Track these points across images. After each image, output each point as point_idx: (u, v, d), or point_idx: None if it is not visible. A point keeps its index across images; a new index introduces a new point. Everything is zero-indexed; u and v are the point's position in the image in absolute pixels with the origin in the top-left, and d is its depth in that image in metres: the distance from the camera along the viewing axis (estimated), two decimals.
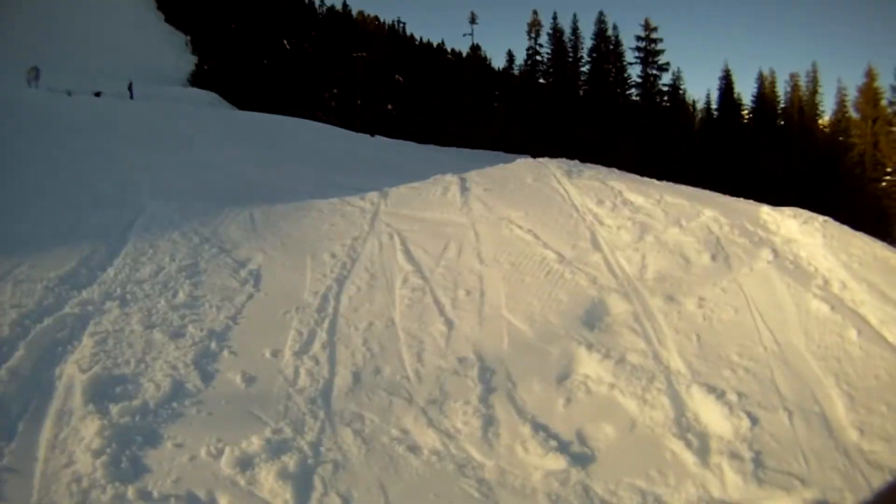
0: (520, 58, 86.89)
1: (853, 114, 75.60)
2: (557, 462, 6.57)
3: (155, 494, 6.11)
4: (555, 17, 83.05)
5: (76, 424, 7.17)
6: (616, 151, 55.82)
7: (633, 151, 59.72)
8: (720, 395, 7.28)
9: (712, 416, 7.02)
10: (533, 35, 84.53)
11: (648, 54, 79.40)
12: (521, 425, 7.15)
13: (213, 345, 9.21)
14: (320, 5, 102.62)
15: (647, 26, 79.18)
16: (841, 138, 73.49)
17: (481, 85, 77.80)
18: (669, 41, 79.54)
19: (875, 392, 7.42)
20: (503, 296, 10.22)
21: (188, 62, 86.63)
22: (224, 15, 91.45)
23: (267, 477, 6.31)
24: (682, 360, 8.02)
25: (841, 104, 78.66)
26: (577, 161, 18.57)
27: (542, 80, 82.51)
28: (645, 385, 7.58)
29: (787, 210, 12.02)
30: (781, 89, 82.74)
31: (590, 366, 8.11)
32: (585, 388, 7.75)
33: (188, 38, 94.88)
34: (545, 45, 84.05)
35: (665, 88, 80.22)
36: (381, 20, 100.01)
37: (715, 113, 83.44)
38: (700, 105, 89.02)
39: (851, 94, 76.00)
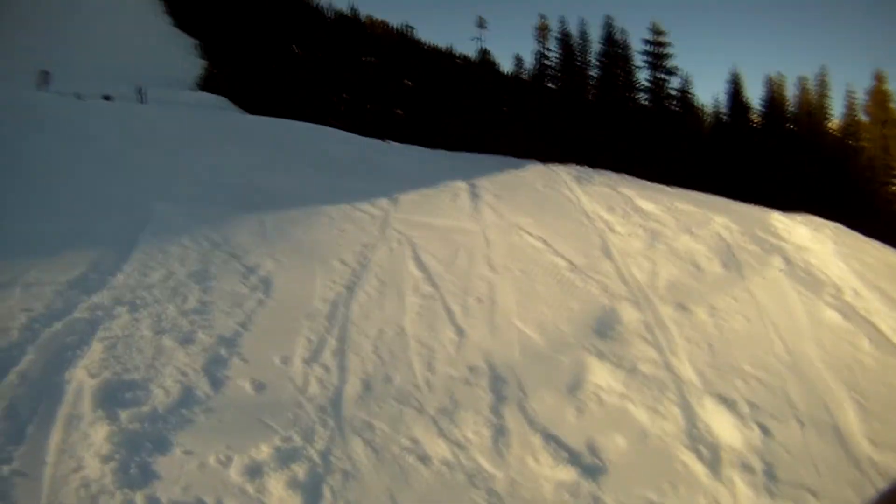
0: (528, 62, 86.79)
1: (862, 117, 75.31)
2: (568, 473, 6.53)
3: (164, 501, 6.10)
4: (562, 22, 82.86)
5: (85, 429, 7.16)
6: (625, 156, 55.69)
7: (642, 156, 59.57)
8: (732, 405, 7.24)
9: (724, 427, 6.98)
10: (541, 39, 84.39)
11: (657, 58, 79.07)
12: (532, 436, 7.12)
13: (223, 351, 9.19)
14: (329, 9, 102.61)
15: (655, 30, 78.87)
16: (850, 142, 73.08)
17: (490, 89, 77.58)
18: (677, 45, 79.09)
19: (887, 402, 7.40)
20: (514, 304, 10.17)
21: (197, 66, 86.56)
22: (232, 19, 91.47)
23: (276, 485, 6.29)
24: (694, 369, 7.97)
25: (850, 107, 78.33)
26: (587, 167, 18.54)
27: (550, 85, 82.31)
28: (656, 395, 7.54)
29: (798, 216, 12.00)
30: (790, 93, 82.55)
31: (601, 375, 8.07)
32: (597, 399, 7.70)
33: (197, 42, 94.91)
34: (553, 49, 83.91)
35: (674, 92, 79.98)
36: (390, 25, 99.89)
37: (724, 117, 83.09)
38: (709, 109, 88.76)
39: (860, 98, 75.75)
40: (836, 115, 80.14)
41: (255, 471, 6.51)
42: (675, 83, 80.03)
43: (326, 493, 6.27)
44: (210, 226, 14.80)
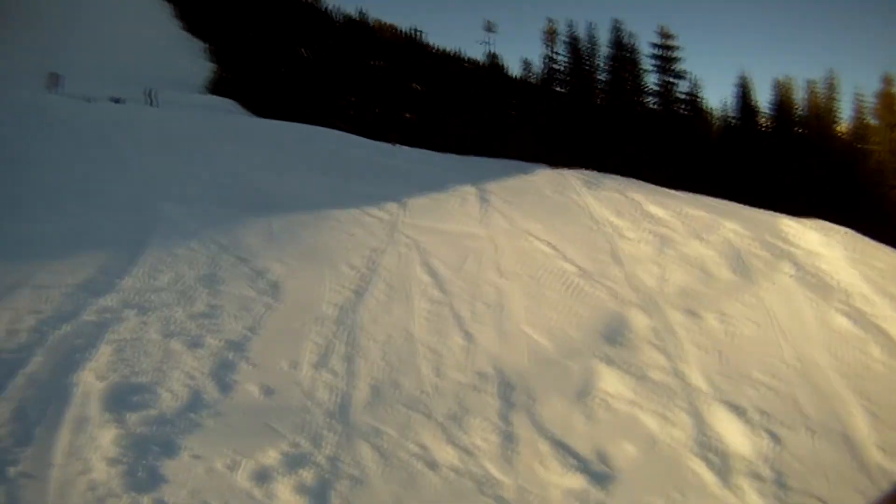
0: (537, 66, 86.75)
1: (872, 121, 74.98)
2: (577, 481, 6.50)
3: None
4: (570, 26, 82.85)
5: (93, 432, 7.17)
6: (634, 160, 55.63)
7: (651, 160, 59.47)
8: (742, 412, 7.20)
9: (734, 435, 6.93)
10: (549, 43, 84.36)
11: (665, 62, 78.89)
12: (541, 442, 7.08)
13: (231, 355, 9.19)
14: (337, 13, 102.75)
15: (664, 33, 78.75)
16: (859, 145, 72.77)
17: (498, 93, 77.56)
18: (685, 48, 78.92)
19: None
20: (523, 309, 10.14)
21: (206, 70, 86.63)
22: (242, 23, 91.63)
23: (284, 490, 6.27)
24: (704, 376, 7.93)
25: (859, 111, 77.95)
26: (596, 171, 18.49)
27: (559, 89, 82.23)
28: (666, 402, 7.50)
29: (808, 221, 11.96)
30: (799, 96, 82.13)
31: (610, 382, 8.03)
32: (606, 405, 7.66)
33: (206, 45, 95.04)
34: (562, 53, 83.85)
35: (683, 96, 79.80)
36: (398, 28, 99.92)
37: (733, 121, 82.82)
38: (718, 113, 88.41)
39: (869, 101, 75.44)
40: (845, 119, 79.82)
41: (262, 476, 6.50)
42: (683, 87, 79.96)
43: (334, 498, 6.25)
44: (218, 228, 14.82)
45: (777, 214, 12.90)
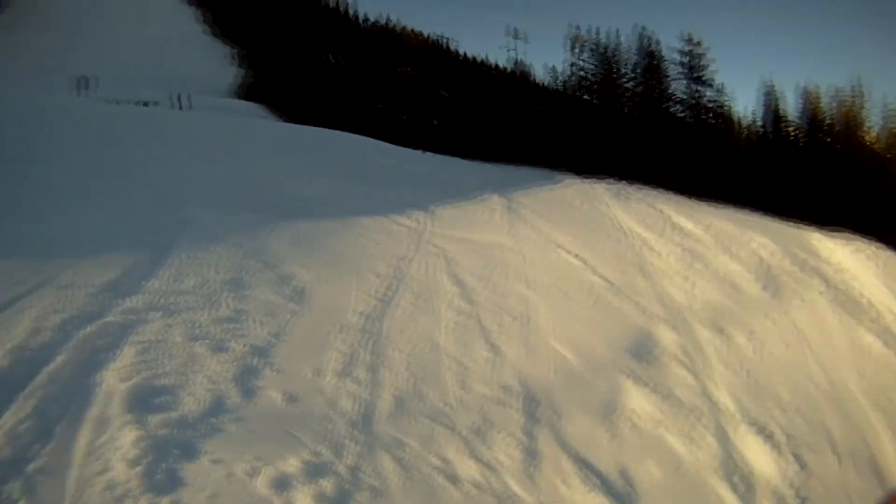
0: (563, 73, 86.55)
1: None
2: (599, 500, 6.44)
3: None
4: (597, 33, 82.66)
5: (114, 433, 7.17)
6: (662, 170, 55.42)
7: (679, 170, 59.19)
8: (769, 435, 7.10)
9: (760, 458, 6.84)
10: (575, 50, 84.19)
11: (691, 69, 78.57)
12: (565, 460, 7.01)
13: (256, 361, 9.17)
14: (364, 20, 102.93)
15: (690, 40, 78.41)
16: (889, 154, 72.00)
17: (525, 101, 77.39)
18: (711, 55, 78.10)
19: None
20: (550, 323, 10.06)
21: (234, 74, 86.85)
22: (270, 28, 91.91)
23: (303, 499, 6.24)
24: (732, 397, 7.84)
25: (888, 119, 77.15)
26: (624, 182, 18.38)
27: (585, 97, 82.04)
28: (692, 423, 7.41)
29: (838, 236, 11.84)
30: (826, 104, 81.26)
31: (637, 400, 7.94)
32: (631, 424, 7.58)
33: (235, 50, 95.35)
34: (588, 60, 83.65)
35: (710, 104, 79.37)
36: (426, 35, 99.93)
37: (760, 130, 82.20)
38: (745, 121, 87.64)
39: None
40: (873, 128, 79.01)
41: (282, 483, 6.48)
42: (710, 95, 79.63)
43: None
44: (245, 233, 14.81)
45: (806, 228, 12.78)
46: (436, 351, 9.53)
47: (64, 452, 6.82)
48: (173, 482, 6.46)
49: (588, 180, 20.05)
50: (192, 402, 7.93)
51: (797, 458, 6.79)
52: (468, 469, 6.92)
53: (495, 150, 59.73)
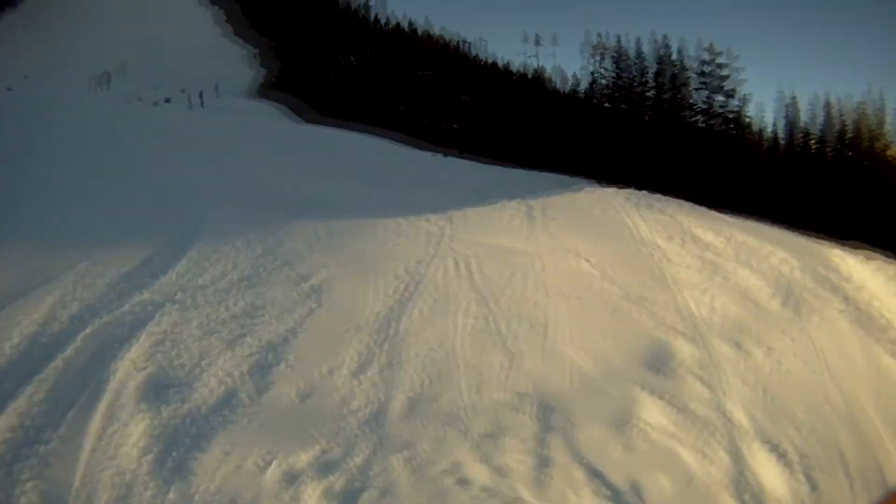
0: (583, 81, 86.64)
1: None
2: None
3: (196, 498, 6.17)
4: (618, 41, 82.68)
5: (126, 420, 7.29)
6: (681, 179, 55.33)
7: (698, 179, 59.09)
8: (782, 454, 7.03)
9: (771, 477, 6.77)
10: (596, 58, 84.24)
11: (713, 79, 78.43)
12: (576, 469, 6.96)
13: (270, 357, 9.24)
14: (386, 23, 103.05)
15: (712, 51, 78.26)
16: None
17: (544, 107, 77.43)
18: (732, 65, 78.00)
19: None
20: (567, 331, 10.02)
21: (257, 74, 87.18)
22: (292, 29, 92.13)
23: (312, 495, 6.29)
24: (747, 413, 7.77)
25: None
26: (645, 192, 18.30)
27: (606, 105, 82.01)
28: (706, 438, 7.35)
29: (859, 253, 11.72)
30: (847, 116, 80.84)
31: (651, 412, 7.88)
32: (644, 436, 7.52)
33: (257, 50, 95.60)
34: (609, 68, 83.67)
35: (730, 115, 79.18)
36: (447, 40, 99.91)
37: (780, 141, 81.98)
38: (765, 132, 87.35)
39: None
40: (895, 141, 78.63)
41: (292, 478, 6.53)
42: (731, 105, 79.40)
43: None
44: (264, 231, 14.86)
45: (827, 243, 12.67)
46: (451, 354, 9.52)
47: (76, 437, 6.95)
48: (182, 471, 6.55)
49: (608, 188, 19.94)
50: (204, 395, 8.04)
51: (809, 478, 6.71)
52: (478, 473, 6.92)
53: (514, 155, 59.73)
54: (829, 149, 76.61)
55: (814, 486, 6.65)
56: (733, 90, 78.14)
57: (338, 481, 6.50)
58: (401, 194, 22.40)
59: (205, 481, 6.38)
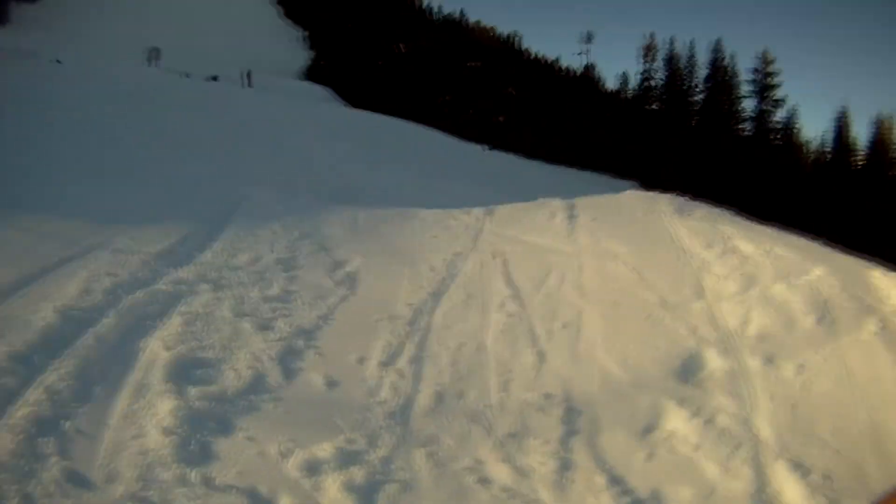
0: (633, 81, 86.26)
1: None
2: None
3: (217, 482, 6.17)
4: (671, 42, 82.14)
5: (152, 399, 7.36)
6: (725, 187, 55.04)
7: (742, 188, 58.74)
8: (805, 473, 6.95)
9: (793, 496, 6.69)
10: (648, 59, 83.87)
11: (764, 88, 77.87)
12: (598, 474, 6.94)
13: (300, 343, 9.31)
14: (437, 12, 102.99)
15: (765, 59, 77.66)
16: None
17: (592, 105, 77.22)
18: (784, 74, 77.39)
19: None
20: (600, 335, 9.98)
21: (303, 56, 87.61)
22: (341, 13, 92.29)
23: (332, 485, 6.29)
24: (773, 430, 7.70)
25: None
26: (687, 197, 18.18)
27: (654, 107, 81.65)
28: (730, 452, 7.29)
29: None
30: None
31: (677, 422, 7.84)
32: (669, 446, 7.48)
33: (305, 32, 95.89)
34: (660, 70, 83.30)
35: (778, 125, 78.57)
36: (497, 32, 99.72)
37: (828, 155, 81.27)
38: (813, 145, 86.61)
39: None
40: None
41: (313, 467, 6.54)
42: (780, 115, 78.82)
43: (381, 501, 6.25)
44: (302, 215, 14.98)
45: (867, 263, 12.50)
46: (482, 351, 9.54)
47: (101, 414, 7.00)
48: (205, 455, 6.59)
49: (651, 192, 19.83)
50: (232, 378, 8.09)
51: (830, 500, 6.63)
52: (500, 472, 6.92)
53: (559, 152, 59.64)
54: (873, 165, 75.89)
55: None
56: (782, 100, 77.66)
57: (359, 473, 6.51)
58: (443, 185, 22.47)
59: (226, 466, 6.41)
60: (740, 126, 78.86)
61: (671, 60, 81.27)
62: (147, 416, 7.05)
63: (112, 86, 29.58)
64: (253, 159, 20.67)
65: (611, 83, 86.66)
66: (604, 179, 42.26)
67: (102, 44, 66.80)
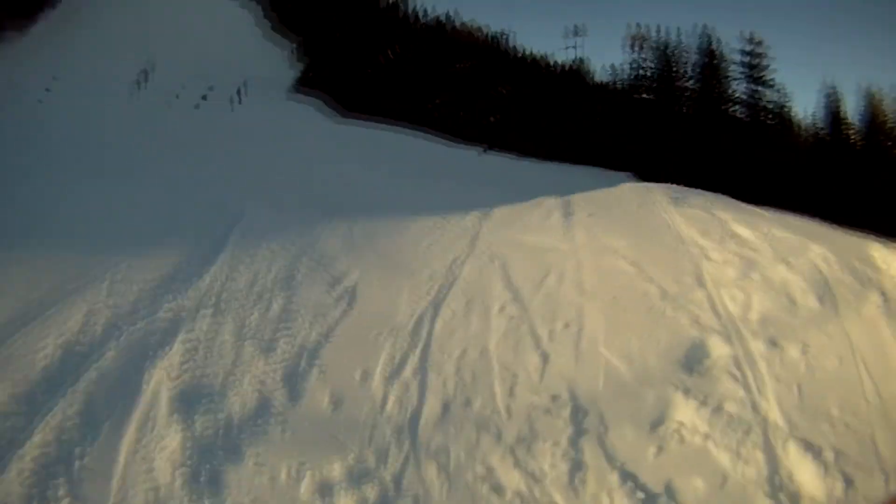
0: (623, 72, 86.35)
1: None
2: None
3: None
4: (658, 31, 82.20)
5: (160, 432, 7.37)
6: (720, 170, 55.03)
7: (737, 171, 58.71)
8: (817, 452, 6.94)
9: (807, 476, 6.69)
10: (636, 49, 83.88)
11: (753, 70, 77.80)
12: (610, 473, 6.94)
13: (304, 362, 9.32)
14: (423, 16, 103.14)
15: (752, 40, 77.56)
16: None
17: (583, 99, 77.16)
18: (773, 54, 77.26)
19: None
20: (602, 331, 9.95)
21: (293, 70, 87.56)
22: (328, 24, 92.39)
23: None
24: (781, 412, 7.68)
25: None
26: (682, 186, 18.13)
27: (645, 96, 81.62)
28: (740, 438, 7.28)
29: None
30: (889, 107, 79.68)
31: (685, 413, 7.82)
32: (679, 437, 7.46)
33: (293, 46, 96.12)
34: (649, 59, 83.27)
35: (770, 106, 78.49)
36: (484, 32, 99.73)
37: (821, 133, 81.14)
38: (806, 123, 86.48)
39: None
40: None
41: (326, 488, 6.56)
42: (771, 96, 78.70)
43: None
44: (298, 231, 14.99)
45: (866, 237, 12.47)
46: (485, 357, 9.51)
47: (110, 450, 6.99)
48: (217, 485, 6.60)
49: (646, 184, 19.81)
50: (238, 404, 8.10)
51: (844, 475, 6.62)
52: (512, 479, 6.92)
53: (552, 148, 59.60)
54: (868, 139, 75.72)
55: (849, 483, 6.58)
56: (773, 80, 77.57)
57: (371, 491, 6.54)
58: (437, 190, 22.48)
59: (239, 495, 6.44)
60: (733, 109, 78.66)
61: (659, 49, 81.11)
62: (156, 450, 7.06)
63: (98, 119, 29.67)
64: (244, 177, 20.73)
65: (601, 76, 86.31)
66: (599, 173, 42.23)
67: (94, 66, 66.76)
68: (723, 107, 77.60)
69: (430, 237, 15.16)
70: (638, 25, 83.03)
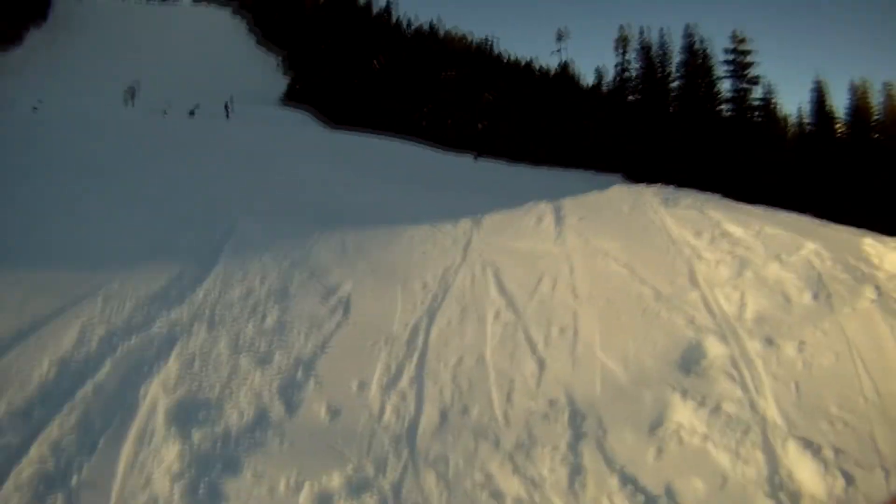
0: (610, 74, 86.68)
1: None
2: None
3: None
4: (642, 32, 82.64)
5: (157, 446, 7.36)
6: (709, 169, 55.15)
7: (726, 169, 58.85)
8: (816, 450, 6.93)
9: (807, 474, 6.68)
10: (621, 51, 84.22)
11: (738, 67, 78.11)
12: (609, 476, 6.95)
13: (300, 374, 9.30)
14: (408, 25, 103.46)
15: (736, 38, 77.87)
16: None
17: (571, 102, 77.35)
18: (759, 51, 77.80)
19: None
20: (597, 335, 9.95)
21: (280, 82, 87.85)
22: (315, 36, 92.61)
23: None
24: (779, 410, 7.68)
25: None
26: (673, 187, 18.13)
27: (631, 97, 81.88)
28: (739, 438, 7.28)
29: (891, 241, 11.55)
30: (875, 100, 79.92)
31: (683, 414, 7.82)
32: (678, 439, 7.46)
33: (280, 58, 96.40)
34: (634, 60, 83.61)
35: (757, 102, 78.72)
36: (469, 39, 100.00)
37: (808, 127, 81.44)
38: (792, 119, 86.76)
39: None
40: None
41: (325, 499, 6.57)
42: (758, 93, 79.02)
43: None
44: (291, 243, 14.97)
45: (858, 232, 12.45)
46: (481, 364, 9.51)
47: (108, 465, 6.99)
48: (215, 498, 6.62)
49: (636, 185, 19.80)
50: (235, 416, 8.08)
51: (844, 473, 6.62)
52: (512, 485, 6.93)
53: (542, 153, 59.72)
54: (854, 132, 75.93)
55: (849, 481, 6.57)
56: (758, 77, 77.88)
57: (371, 501, 6.53)
58: (427, 199, 22.46)
59: None
60: (720, 108, 78.94)
61: (645, 50, 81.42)
62: (154, 464, 7.05)
63: (86, 134, 29.66)
64: (235, 190, 20.71)
65: (588, 79, 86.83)
66: (589, 176, 42.38)
67: (80, 84, 66.82)
68: (709, 105, 77.86)
69: (423, 246, 15.14)
70: (622, 27, 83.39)
